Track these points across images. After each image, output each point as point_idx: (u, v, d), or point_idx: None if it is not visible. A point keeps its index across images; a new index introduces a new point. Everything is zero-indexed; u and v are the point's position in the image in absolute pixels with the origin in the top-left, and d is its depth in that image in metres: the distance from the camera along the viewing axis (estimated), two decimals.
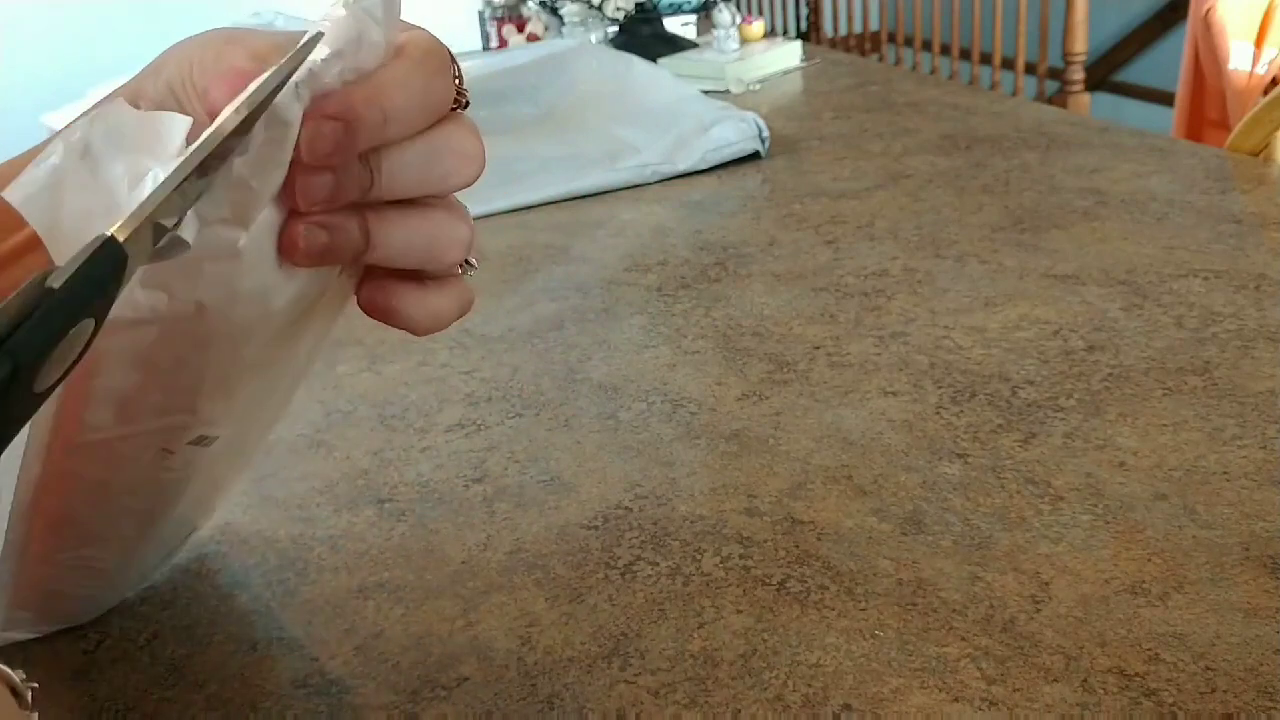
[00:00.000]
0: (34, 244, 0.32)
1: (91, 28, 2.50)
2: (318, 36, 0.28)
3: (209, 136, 0.27)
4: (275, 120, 0.27)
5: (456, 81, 0.32)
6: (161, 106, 0.32)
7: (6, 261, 0.33)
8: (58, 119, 1.43)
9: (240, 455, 0.44)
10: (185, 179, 0.26)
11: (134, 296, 0.29)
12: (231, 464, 0.44)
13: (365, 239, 0.30)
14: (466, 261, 0.35)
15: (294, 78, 0.28)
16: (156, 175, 0.28)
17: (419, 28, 0.32)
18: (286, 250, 0.30)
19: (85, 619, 0.46)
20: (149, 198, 0.26)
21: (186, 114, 0.31)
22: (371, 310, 0.33)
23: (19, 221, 0.30)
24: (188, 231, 0.27)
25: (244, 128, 0.27)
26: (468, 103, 0.33)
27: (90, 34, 2.42)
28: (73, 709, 0.42)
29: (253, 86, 0.27)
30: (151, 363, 0.31)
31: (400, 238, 0.31)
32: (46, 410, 0.30)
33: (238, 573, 0.49)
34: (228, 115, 0.27)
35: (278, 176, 0.28)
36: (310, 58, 0.28)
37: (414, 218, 0.31)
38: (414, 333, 0.33)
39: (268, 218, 0.29)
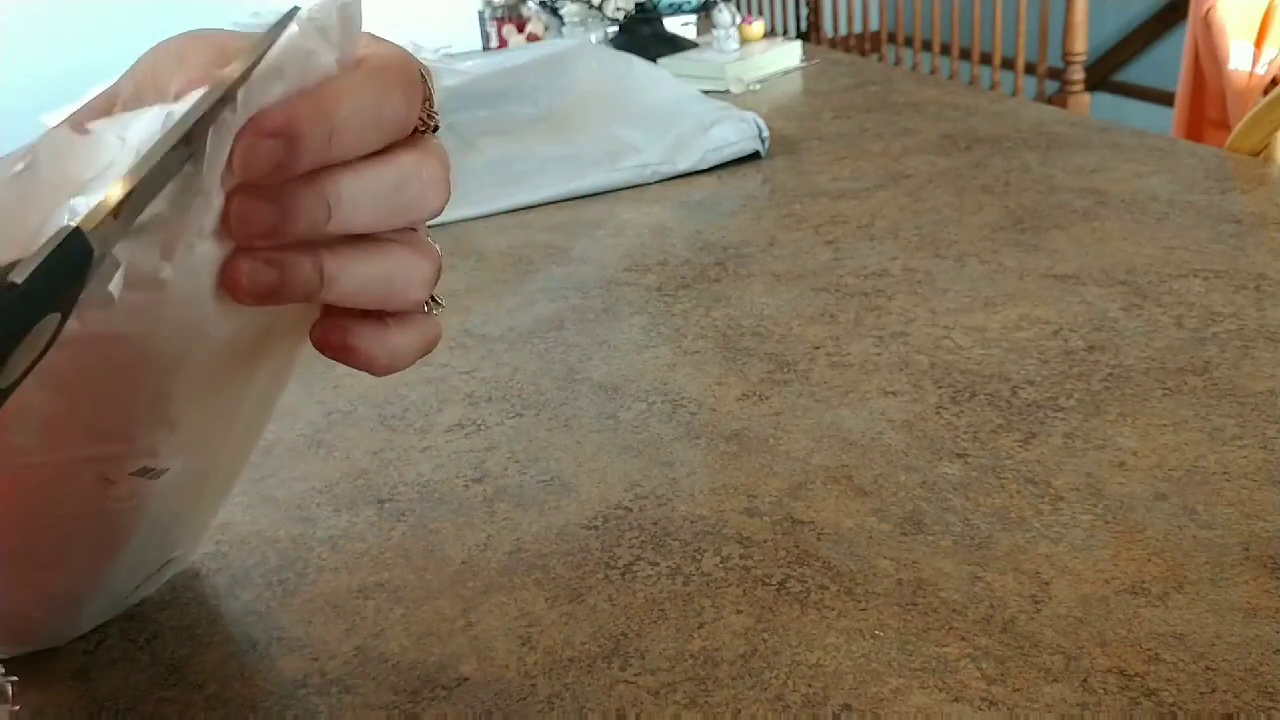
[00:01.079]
0: None
1: (91, 28, 2.50)
2: (265, 51, 0.26)
3: (152, 149, 0.25)
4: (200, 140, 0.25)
5: (426, 104, 0.29)
6: (129, 109, 0.30)
7: None
8: (58, 119, 1.43)
9: (213, 483, 0.43)
10: (136, 187, 0.24)
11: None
12: (203, 493, 0.43)
13: (319, 277, 0.27)
14: (433, 299, 0.32)
15: (224, 95, 0.25)
16: (75, 207, 0.25)
17: (389, 43, 0.30)
18: (229, 287, 0.27)
19: (56, 643, 0.45)
20: (110, 194, 0.24)
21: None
22: (325, 348, 0.30)
23: None
24: (122, 254, 0.25)
25: (176, 143, 0.25)
26: (437, 126, 0.30)
27: (90, 34, 2.42)
28: (73, 709, 0.42)
29: (188, 102, 0.25)
30: (70, 386, 0.29)
31: (357, 276, 0.28)
32: None
33: (238, 573, 0.49)
34: (165, 131, 0.25)
35: (201, 204, 0.26)
36: (254, 74, 0.26)
37: (373, 254, 0.29)
38: (371, 373, 0.31)
39: (209, 250, 0.27)
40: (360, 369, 0.30)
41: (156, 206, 0.25)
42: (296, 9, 0.27)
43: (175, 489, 0.37)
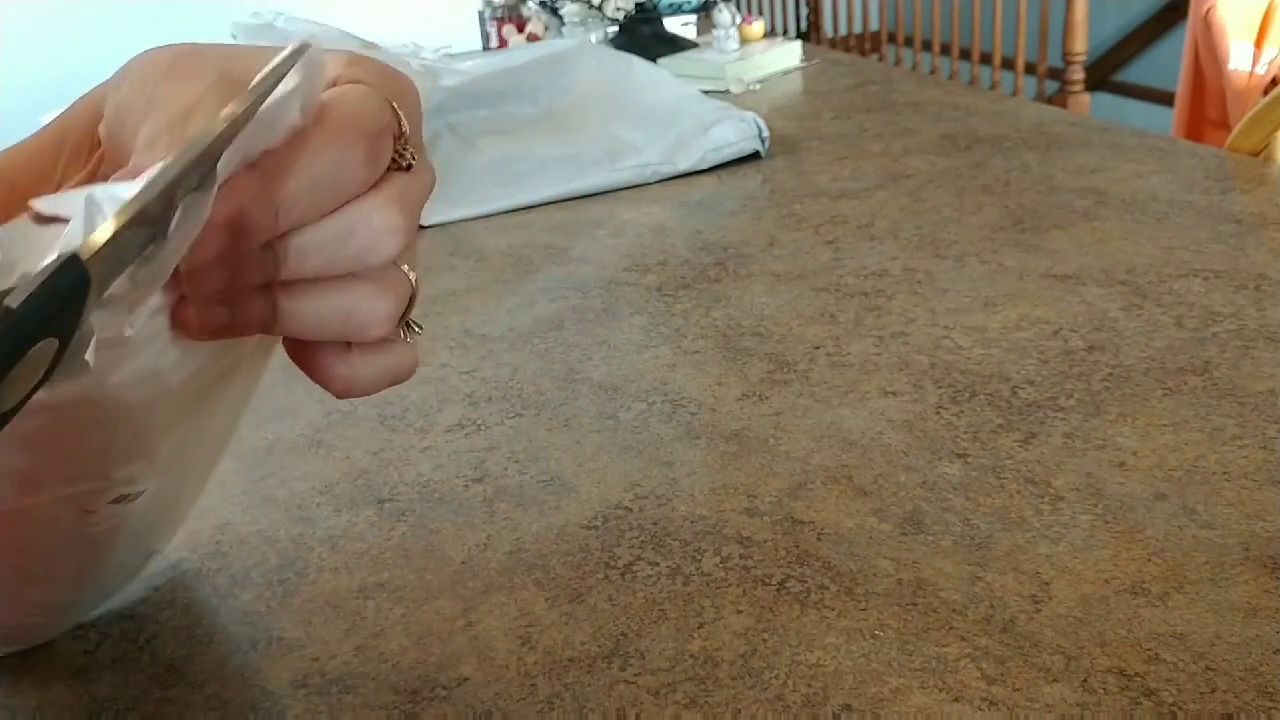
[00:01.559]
0: None
1: (91, 28, 2.50)
2: (261, 97, 0.25)
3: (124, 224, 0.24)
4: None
5: (400, 140, 0.29)
6: (110, 128, 0.30)
7: None
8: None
9: (189, 488, 0.43)
10: (114, 240, 0.23)
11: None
12: (179, 499, 0.43)
13: (272, 314, 0.28)
14: (409, 325, 0.31)
15: (205, 154, 0.24)
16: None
17: (370, 67, 0.29)
18: (181, 326, 0.27)
19: (39, 642, 0.45)
20: (110, 222, 0.23)
21: (124, 140, 0.28)
22: (293, 358, 0.30)
23: None
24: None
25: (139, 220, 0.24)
26: (410, 164, 0.29)
27: (90, 34, 2.42)
28: (73, 709, 0.42)
29: (151, 173, 0.24)
30: (42, 445, 0.29)
31: (311, 313, 0.28)
32: None
33: (238, 573, 0.49)
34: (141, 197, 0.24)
35: (161, 270, 0.25)
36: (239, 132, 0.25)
37: (328, 293, 0.28)
38: (333, 394, 0.30)
39: (160, 299, 0.26)
40: (321, 386, 0.30)
41: (121, 276, 0.25)
42: (307, 46, 0.26)
43: (153, 501, 0.37)
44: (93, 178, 0.33)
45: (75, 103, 0.34)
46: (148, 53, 0.31)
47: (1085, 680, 0.38)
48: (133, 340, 0.26)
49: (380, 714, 0.40)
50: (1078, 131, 1.00)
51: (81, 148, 0.34)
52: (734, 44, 1.38)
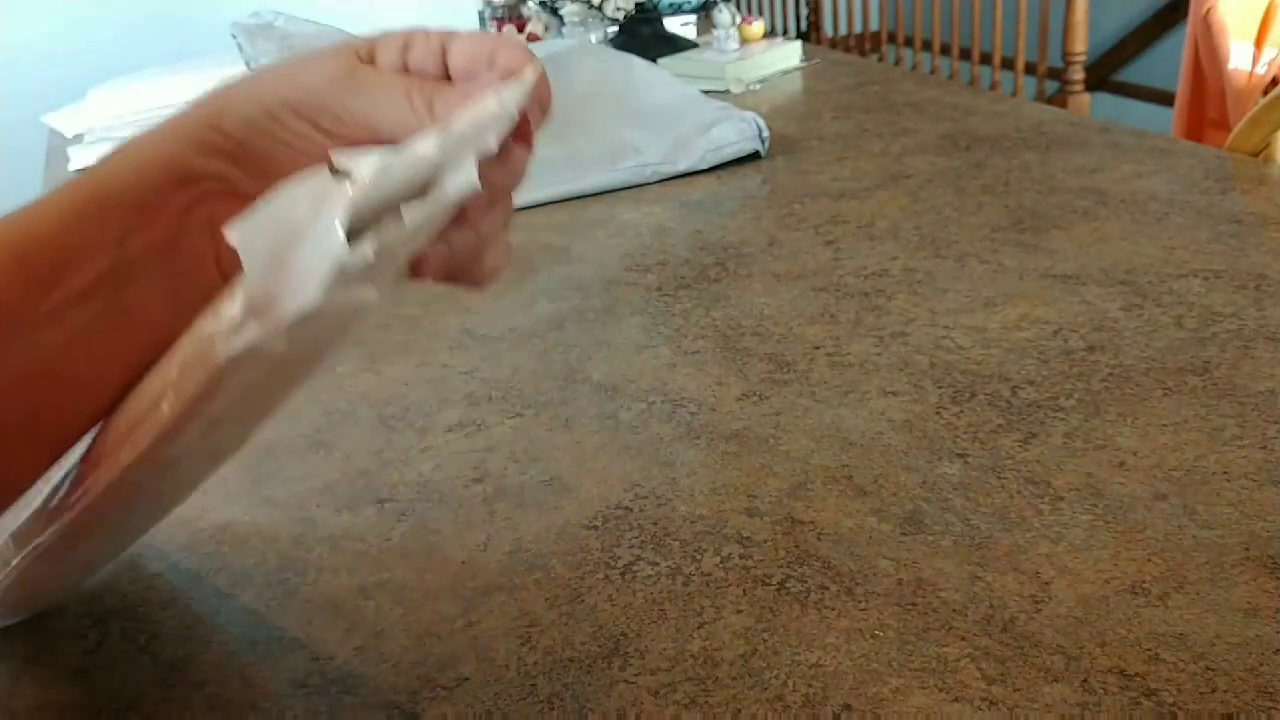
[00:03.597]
0: (106, 279, 0.32)
1: (91, 28, 2.49)
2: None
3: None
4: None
5: None
6: (257, 124, 0.34)
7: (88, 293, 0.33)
8: (58, 119, 1.43)
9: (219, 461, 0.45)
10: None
11: (259, 338, 0.28)
12: (207, 470, 0.45)
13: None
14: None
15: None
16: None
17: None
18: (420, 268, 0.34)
19: (41, 609, 0.47)
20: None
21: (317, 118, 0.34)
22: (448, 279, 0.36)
23: (92, 249, 0.31)
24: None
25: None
26: None
27: (90, 34, 2.42)
28: (73, 709, 0.42)
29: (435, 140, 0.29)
30: (251, 390, 0.32)
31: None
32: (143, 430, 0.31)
33: (238, 573, 0.49)
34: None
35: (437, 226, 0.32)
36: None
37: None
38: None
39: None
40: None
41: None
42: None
43: (195, 458, 0.39)
44: (203, 203, 0.35)
45: (99, 166, 0.34)
46: (245, 80, 0.36)
47: (1085, 680, 0.38)
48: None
49: (380, 714, 0.40)
50: (1078, 131, 1.00)
51: (137, 206, 0.34)
52: (734, 44, 1.38)
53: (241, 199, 0.33)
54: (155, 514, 0.45)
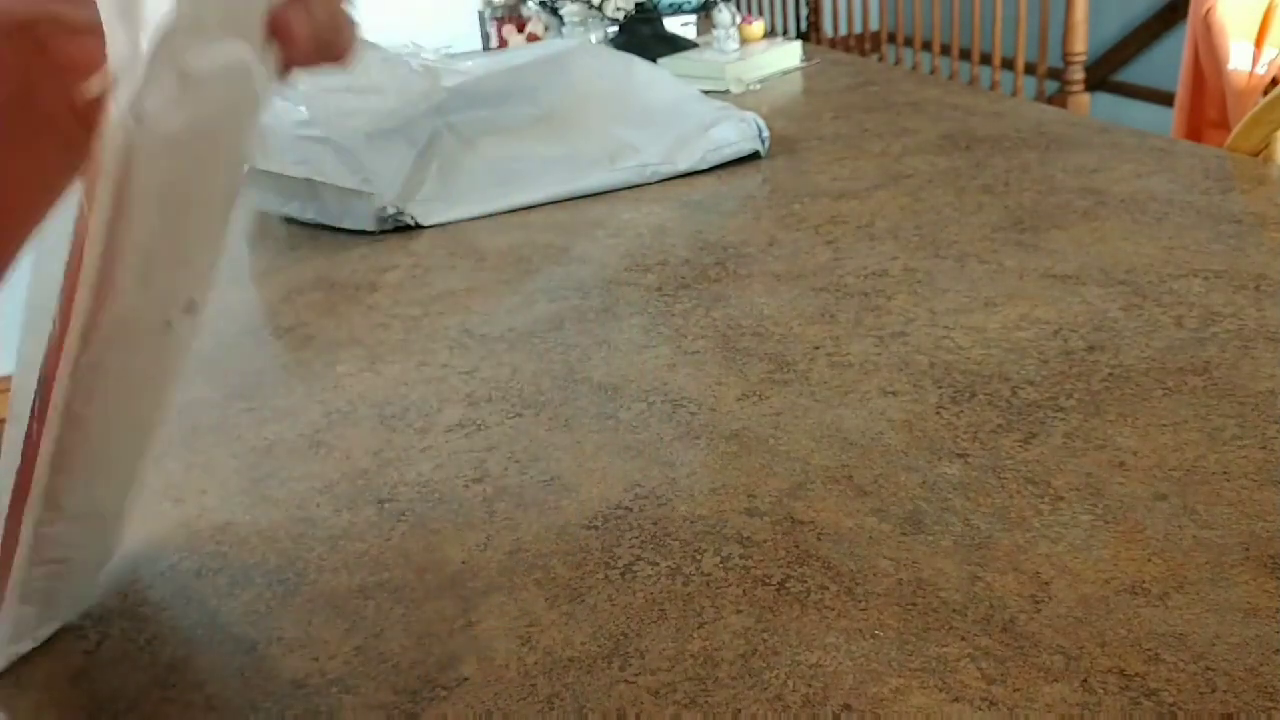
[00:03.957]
0: None
1: None
2: None
3: None
4: None
5: None
6: None
7: None
8: None
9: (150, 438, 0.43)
10: None
11: (168, 115, 0.28)
12: (143, 449, 0.43)
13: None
14: None
15: None
16: None
17: None
18: (282, 30, 0.32)
19: (83, 605, 0.46)
20: None
21: None
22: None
23: None
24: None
25: None
26: None
27: None
28: (73, 709, 0.42)
29: None
30: (167, 201, 0.31)
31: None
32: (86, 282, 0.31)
33: (238, 573, 0.49)
34: None
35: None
36: None
37: None
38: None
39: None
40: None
41: None
42: None
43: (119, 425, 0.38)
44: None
45: None
46: None
47: (1085, 680, 0.38)
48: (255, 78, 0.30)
49: (380, 714, 0.40)
50: (1077, 131, 1.00)
51: None
52: (734, 44, 1.38)
53: (80, 34, 0.32)
54: (140, 424, 0.42)
